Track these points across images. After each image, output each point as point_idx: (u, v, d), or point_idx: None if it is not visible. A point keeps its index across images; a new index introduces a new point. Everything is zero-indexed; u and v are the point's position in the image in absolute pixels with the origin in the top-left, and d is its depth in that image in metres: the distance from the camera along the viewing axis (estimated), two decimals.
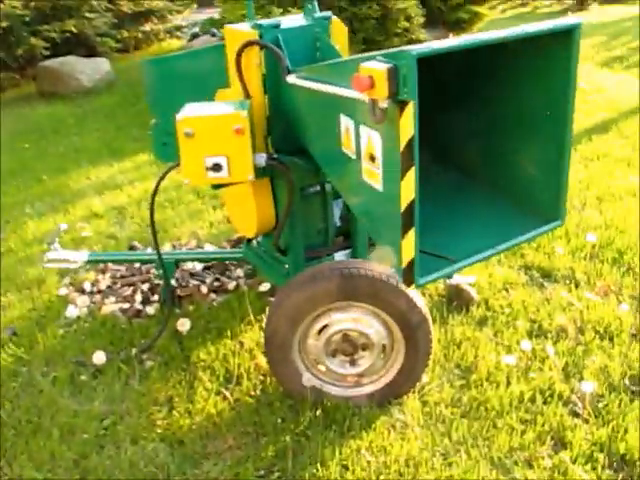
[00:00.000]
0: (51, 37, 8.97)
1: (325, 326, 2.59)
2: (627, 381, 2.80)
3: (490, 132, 2.42)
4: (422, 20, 7.97)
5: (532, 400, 2.72)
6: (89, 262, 3.53)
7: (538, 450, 2.49)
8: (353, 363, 2.66)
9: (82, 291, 3.70)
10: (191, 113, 2.42)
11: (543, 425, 2.59)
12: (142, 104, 7.35)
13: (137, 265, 3.85)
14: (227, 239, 4.17)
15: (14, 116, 7.78)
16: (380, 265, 2.48)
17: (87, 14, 9.46)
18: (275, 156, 2.64)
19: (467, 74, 2.34)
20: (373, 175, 2.02)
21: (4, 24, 8.39)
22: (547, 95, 2.17)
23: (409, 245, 1.93)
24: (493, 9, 10.67)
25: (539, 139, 2.25)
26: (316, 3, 2.69)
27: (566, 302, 3.32)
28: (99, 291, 3.68)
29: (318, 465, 2.45)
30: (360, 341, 2.61)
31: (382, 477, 2.42)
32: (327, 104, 2.23)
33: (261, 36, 2.56)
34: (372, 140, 1.96)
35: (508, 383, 2.80)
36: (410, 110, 1.74)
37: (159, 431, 2.67)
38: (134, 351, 3.11)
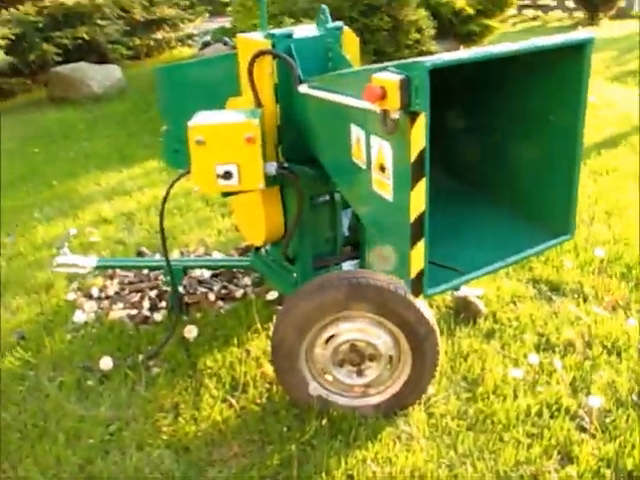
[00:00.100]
0: (63, 43, 9.02)
1: (332, 336, 2.59)
2: (635, 397, 2.78)
3: (499, 144, 2.43)
4: (433, 32, 7.98)
5: (539, 414, 2.71)
6: (98, 267, 3.53)
7: (544, 465, 2.48)
8: (360, 373, 2.66)
9: (90, 296, 3.70)
10: (203, 121, 2.43)
11: (550, 439, 2.57)
12: (153, 111, 7.38)
13: (145, 271, 3.86)
14: (235, 247, 4.18)
15: (25, 121, 7.82)
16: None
17: (99, 21, 9.51)
18: (285, 165, 2.65)
19: (477, 86, 2.35)
20: (383, 185, 2.02)
21: (17, 30, 8.45)
22: (558, 109, 2.17)
23: (418, 256, 1.93)
24: (504, 22, 10.67)
25: (549, 153, 2.25)
26: (328, 13, 2.71)
27: (574, 316, 3.32)
28: (107, 297, 3.69)
29: (323, 474, 2.45)
30: (367, 351, 2.60)
31: None
32: (338, 114, 2.24)
33: (274, 45, 2.57)
34: (383, 150, 1.97)
35: (515, 396, 2.79)
36: (422, 121, 1.75)
37: (165, 437, 2.67)
38: (141, 357, 3.11)
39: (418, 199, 1.85)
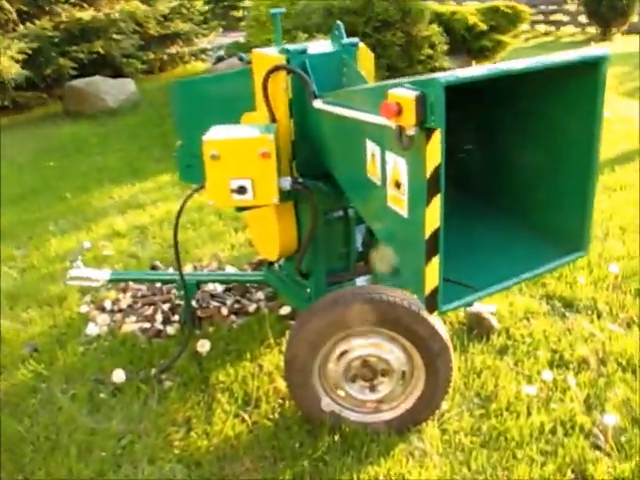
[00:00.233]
0: (79, 58, 9.12)
1: (345, 351, 2.58)
2: None
3: (513, 160, 2.42)
4: (446, 48, 8.00)
5: (553, 431, 2.69)
6: (111, 281, 3.55)
7: None
8: (373, 389, 2.65)
9: (103, 309, 3.72)
10: (217, 136, 2.44)
11: (564, 457, 2.55)
12: (166, 125, 7.44)
13: (158, 285, 3.87)
14: (248, 262, 4.18)
15: (40, 135, 7.89)
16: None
17: (114, 36, 9.60)
18: (300, 180, 2.65)
19: (490, 101, 2.35)
20: (398, 201, 2.02)
21: (34, 45, 8.53)
22: (573, 125, 2.17)
23: (433, 272, 1.93)
24: (516, 38, 10.68)
25: (564, 168, 2.24)
26: (343, 29, 2.72)
27: (588, 333, 3.29)
28: (120, 310, 3.70)
29: None
30: (380, 367, 2.60)
31: None
32: (353, 130, 2.24)
33: (288, 61, 2.58)
34: (398, 166, 1.97)
35: (529, 413, 2.77)
36: (437, 138, 1.75)
37: (176, 452, 2.67)
38: (153, 371, 3.12)
39: (433, 215, 1.85)
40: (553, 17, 15.41)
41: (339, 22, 2.72)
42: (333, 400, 2.69)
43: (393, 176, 2.02)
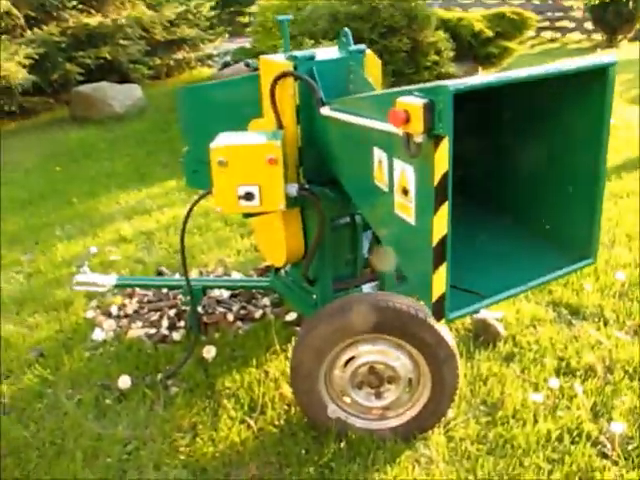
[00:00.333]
0: (86, 63, 9.15)
1: (352, 358, 2.58)
2: None
3: (521, 167, 2.42)
4: (452, 54, 8.01)
5: (559, 439, 2.68)
6: (117, 286, 3.55)
7: None
8: (379, 396, 2.64)
9: (109, 314, 3.72)
10: (225, 142, 2.45)
11: (571, 465, 2.54)
12: (172, 131, 7.46)
13: (164, 290, 3.88)
14: (254, 267, 4.19)
15: (47, 140, 7.91)
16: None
17: (121, 41, 9.63)
18: (306, 186, 2.65)
19: (497, 108, 2.35)
20: (405, 209, 2.02)
21: (41, 50, 8.57)
22: (580, 132, 2.16)
23: (440, 280, 1.92)
24: (522, 44, 10.67)
25: (571, 175, 2.24)
26: (351, 36, 2.72)
27: (594, 340, 3.29)
28: (126, 315, 3.71)
29: None
30: (386, 374, 2.59)
31: None
32: (360, 137, 2.24)
33: (296, 67, 2.58)
34: (405, 174, 1.97)
35: (535, 421, 2.77)
36: (445, 145, 1.75)
37: (182, 458, 2.67)
38: (159, 376, 3.12)
39: (441, 223, 1.85)
40: (559, 24, 15.40)
41: (346, 29, 2.73)
42: (339, 407, 2.68)
43: (400, 183, 2.01)
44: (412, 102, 1.76)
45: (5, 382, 3.19)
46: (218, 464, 2.63)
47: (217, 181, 2.44)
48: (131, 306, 3.76)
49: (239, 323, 3.54)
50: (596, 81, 2.04)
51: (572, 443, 2.66)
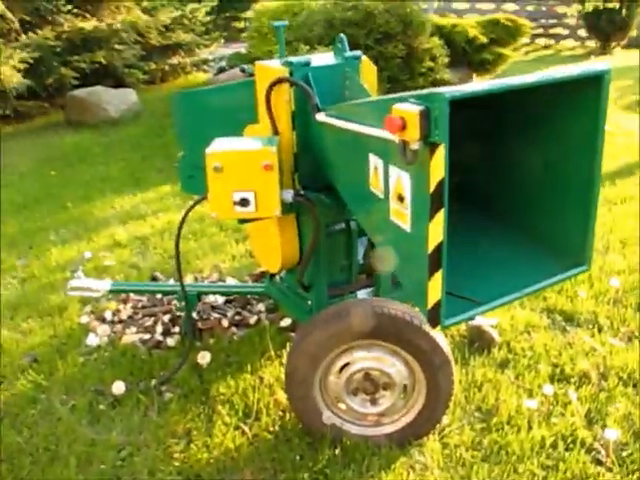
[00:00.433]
0: (81, 67, 9.13)
1: (347, 364, 2.58)
2: None
3: (515, 174, 2.43)
4: (446, 60, 8.03)
5: (554, 446, 2.68)
6: (111, 291, 3.54)
7: None
8: (374, 402, 2.64)
9: (103, 320, 3.71)
10: (220, 148, 2.45)
11: (565, 472, 2.55)
12: (167, 135, 7.45)
13: (159, 296, 3.87)
14: (249, 273, 4.18)
15: (41, 144, 7.89)
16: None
17: (116, 46, 9.62)
18: (302, 192, 2.66)
19: (492, 114, 2.35)
20: (401, 215, 2.02)
21: (36, 54, 8.55)
22: (575, 139, 2.17)
23: (436, 287, 1.93)
24: (517, 51, 10.71)
25: (566, 182, 2.25)
26: (346, 43, 2.73)
27: (589, 347, 3.29)
28: (120, 321, 3.70)
29: None
30: (381, 380, 2.59)
31: None
32: (356, 143, 2.25)
33: (291, 73, 2.59)
34: (401, 180, 1.97)
35: (529, 427, 2.77)
36: (441, 152, 1.76)
37: (176, 464, 2.66)
38: (153, 382, 3.11)
39: (436, 230, 1.85)
40: (553, 30, 15.46)
41: (342, 35, 2.73)
42: (334, 413, 2.68)
43: (396, 190, 2.02)
44: (408, 109, 1.77)
45: None
46: (212, 470, 2.62)
47: (212, 187, 2.44)
48: (125, 311, 3.76)
49: (234, 329, 3.54)
50: (591, 88, 2.05)
51: (566, 450, 2.66)
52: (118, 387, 3.09)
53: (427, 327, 2.45)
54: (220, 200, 2.45)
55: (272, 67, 2.69)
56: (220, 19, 14.09)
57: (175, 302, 3.68)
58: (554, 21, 15.39)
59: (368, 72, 2.76)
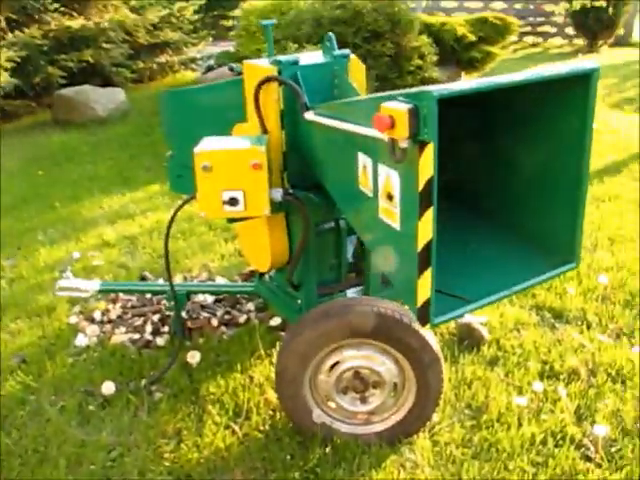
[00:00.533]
0: (68, 66, 9.08)
1: (336, 363, 2.58)
2: None
3: (505, 172, 2.44)
4: (435, 58, 8.02)
5: (544, 442, 2.69)
6: (101, 291, 3.53)
7: None
8: (364, 401, 2.64)
9: (92, 320, 3.70)
10: (209, 147, 2.44)
11: (555, 469, 2.56)
12: (155, 134, 7.42)
13: (148, 295, 3.86)
14: (239, 272, 4.17)
15: (29, 143, 7.85)
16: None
17: (104, 45, 9.57)
18: (291, 191, 2.65)
19: (481, 113, 2.36)
20: (390, 214, 2.02)
21: (23, 53, 8.50)
22: (563, 137, 2.18)
23: (425, 285, 1.93)
24: (505, 49, 10.72)
25: (554, 181, 2.26)
26: (335, 41, 2.72)
27: (578, 344, 3.31)
28: (109, 321, 3.68)
29: None
30: (371, 379, 2.59)
31: None
32: (345, 142, 2.25)
33: (280, 72, 2.58)
34: (390, 179, 1.97)
35: (519, 424, 2.78)
36: (430, 150, 1.76)
37: (167, 464, 2.65)
38: (143, 382, 3.10)
39: (426, 228, 1.85)
40: (541, 29, 15.50)
41: (331, 34, 2.73)
42: (324, 412, 2.68)
43: (385, 188, 2.02)
44: (397, 107, 1.77)
45: None
46: (203, 470, 2.62)
47: (201, 186, 2.43)
48: (115, 311, 3.74)
49: (223, 328, 3.53)
50: (579, 86, 2.06)
51: (556, 446, 2.67)
52: (108, 387, 3.08)
53: (417, 325, 2.45)
54: (209, 199, 2.45)
55: (260, 66, 2.68)
56: (208, 17, 14.04)
57: (164, 302, 3.66)
58: (542, 19, 15.43)
59: (357, 71, 2.76)
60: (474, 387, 3.00)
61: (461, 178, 2.53)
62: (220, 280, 4.07)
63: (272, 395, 2.93)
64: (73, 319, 3.72)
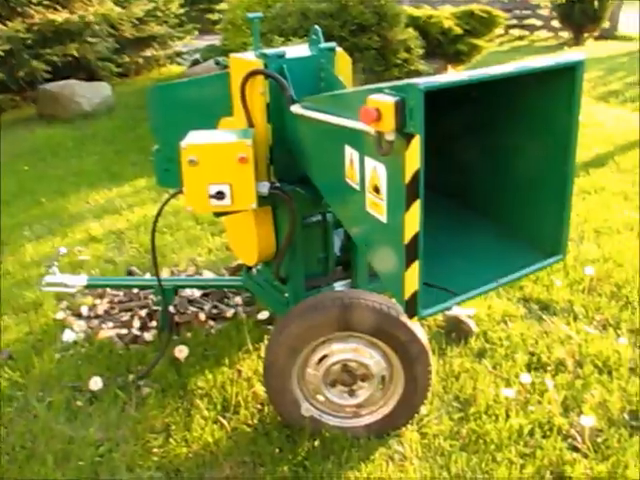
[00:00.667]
0: (52, 60, 9.02)
1: (324, 356, 2.58)
2: (626, 415, 2.79)
3: (492, 165, 2.44)
4: (421, 51, 8.03)
5: (531, 434, 2.70)
6: (87, 287, 3.51)
7: None
8: (352, 394, 2.65)
9: (79, 315, 3.68)
10: (195, 141, 2.43)
11: (542, 459, 2.57)
12: (141, 129, 7.39)
13: (135, 290, 3.84)
14: (226, 266, 4.17)
15: (14, 138, 7.79)
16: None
17: (89, 38, 9.51)
18: (278, 185, 2.65)
19: (468, 105, 2.36)
20: (377, 206, 2.02)
21: (6, 47, 8.43)
22: (549, 130, 2.19)
23: (412, 277, 1.93)
24: (491, 42, 10.74)
25: (541, 173, 2.26)
26: (320, 33, 2.72)
27: (565, 335, 3.32)
28: (97, 316, 3.67)
29: None
30: (359, 372, 2.60)
31: None
32: (332, 135, 2.24)
33: (266, 65, 2.58)
34: (377, 172, 1.97)
35: (507, 416, 2.79)
36: (416, 143, 1.76)
37: (155, 459, 2.65)
38: (131, 377, 3.09)
39: (412, 220, 1.85)
40: (527, 21, 15.56)
41: (317, 27, 2.72)
42: (312, 405, 2.68)
43: (372, 181, 2.02)
44: (383, 100, 1.76)
45: None
46: (192, 465, 2.61)
47: (188, 180, 2.43)
48: (102, 307, 3.72)
49: (211, 322, 3.53)
50: (565, 79, 2.06)
51: (543, 437, 2.69)
52: (95, 383, 3.07)
53: (404, 318, 2.46)
54: (195, 194, 2.44)
55: (247, 59, 2.67)
56: (193, 11, 14.00)
57: (152, 296, 3.66)
58: (528, 12, 15.49)
59: (343, 64, 2.75)
60: (462, 379, 3.01)
61: (447, 171, 2.53)
62: (207, 274, 4.06)
63: (260, 389, 2.92)
64: (60, 315, 3.69)
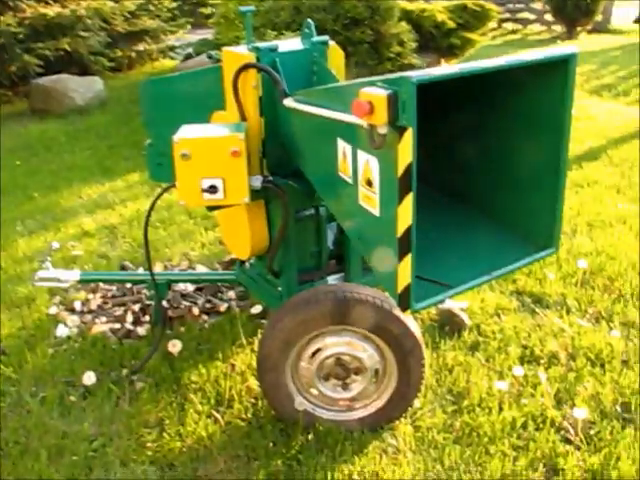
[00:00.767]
0: (45, 55, 8.97)
1: (318, 350, 2.58)
2: (619, 408, 2.80)
3: (485, 158, 2.44)
4: (414, 45, 8.03)
5: (524, 426, 2.71)
6: (81, 281, 3.50)
7: (530, 477, 2.48)
8: (345, 387, 2.65)
9: (72, 310, 3.67)
10: (188, 135, 2.42)
11: (535, 452, 2.58)
12: (134, 123, 7.37)
13: (128, 285, 3.83)
14: (219, 261, 4.16)
15: (6, 133, 7.75)
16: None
17: (81, 33, 9.47)
18: (270, 179, 2.64)
19: (461, 99, 2.36)
20: (370, 200, 2.02)
21: None
22: (542, 123, 2.19)
23: (405, 270, 1.93)
24: (484, 35, 10.76)
25: (534, 166, 2.26)
26: (313, 27, 2.71)
27: (557, 328, 3.33)
28: (90, 311, 3.66)
29: None
30: (353, 365, 2.60)
31: None
32: (324, 128, 2.24)
33: (259, 59, 2.57)
34: (369, 165, 1.97)
35: (500, 409, 2.80)
36: (409, 136, 1.76)
37: (149, 453, 2.65)
38: (125, 372, 3.09)
39: (405, 214, 1.85)
40: (520, 15, 15.57)
41: (309, 20, 2.72)
42: (306, 399, 2.68)
43: (365, 174, 2.02)
44: (376, 93, 1.76)
45: None
46: (186, 459, 2.61)
47: (180, 174, 2.42)
48: (95, 301, 3.71)
49: (205, 317, 3.52)
50: (558, 72, 2.06)
51: (536, 430, 2.70)
52: (89, 378, 3.06)
53: (397, 311, 2.46)
54: (188, 188, 2.44)
55: (239, 53, 2.66)
56: (186, 5, 13.94)
57: (145, 291, 3.65)
58: (521, 6, 15.50)
59: (335, 57, 2.75)
60: (455, 372, 3.02)
61: (440, 164, 2.53)
62: (201, 268, 4.06)
63: (254, 383, 2.93)
64: (53, 310, 3.69)
